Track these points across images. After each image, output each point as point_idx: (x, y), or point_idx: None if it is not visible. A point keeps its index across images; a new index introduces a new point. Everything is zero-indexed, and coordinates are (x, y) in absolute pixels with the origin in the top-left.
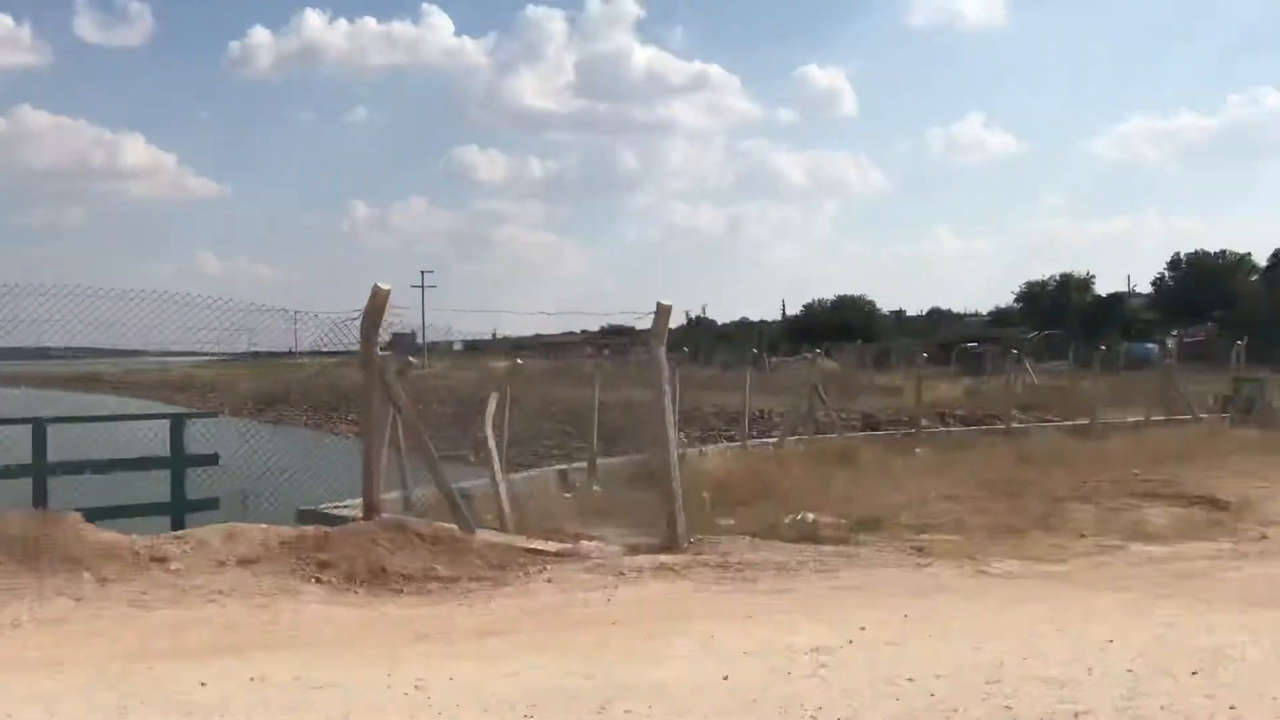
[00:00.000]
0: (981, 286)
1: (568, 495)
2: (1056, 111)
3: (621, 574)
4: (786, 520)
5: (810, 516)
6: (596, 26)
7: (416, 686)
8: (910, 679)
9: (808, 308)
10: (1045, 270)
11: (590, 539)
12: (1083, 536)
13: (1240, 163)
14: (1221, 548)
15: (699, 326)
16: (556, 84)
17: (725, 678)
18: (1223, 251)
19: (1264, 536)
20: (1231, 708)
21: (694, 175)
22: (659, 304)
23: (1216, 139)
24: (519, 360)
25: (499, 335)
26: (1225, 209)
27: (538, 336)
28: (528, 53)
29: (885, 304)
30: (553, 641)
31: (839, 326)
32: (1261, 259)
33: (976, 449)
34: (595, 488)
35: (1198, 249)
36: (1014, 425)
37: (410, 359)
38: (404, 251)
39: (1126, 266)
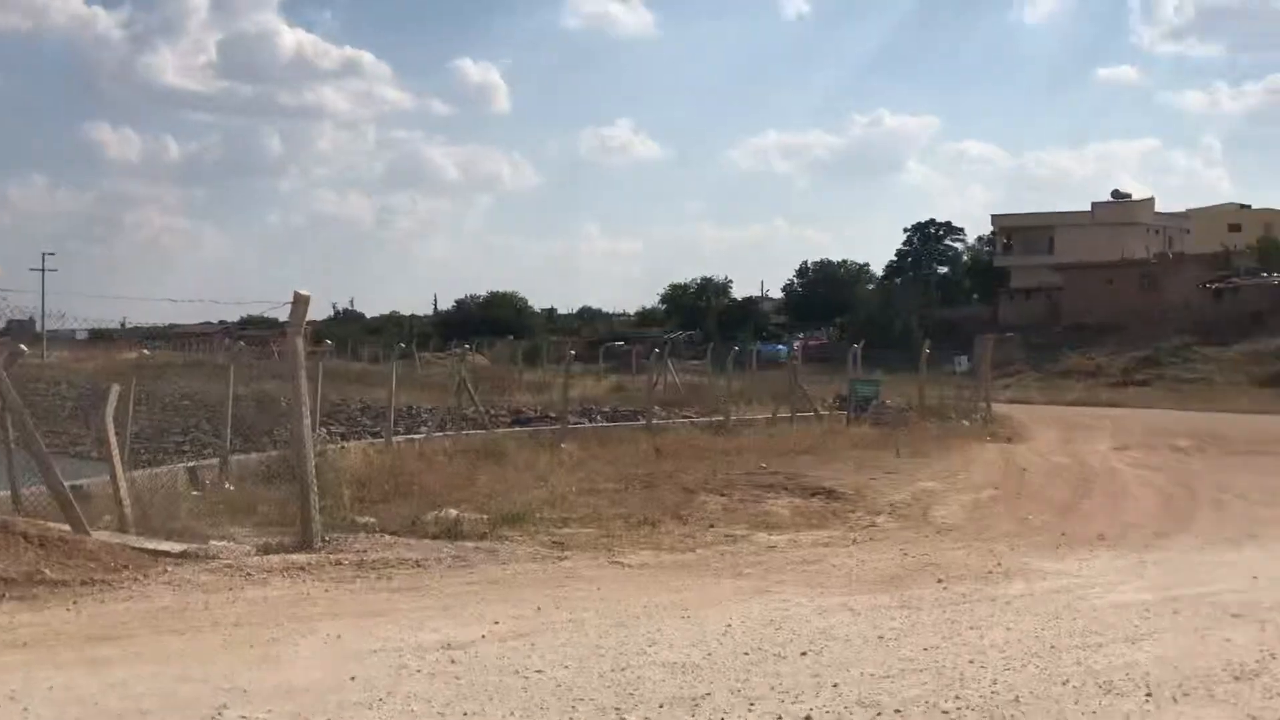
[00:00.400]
0: (629, 287)
1: (196, 493)
2: (699, 121)
3: (249, 575)
4: (429, 517)
5: (453, 512)
6: (241, 5)
7: (11, 698)
8: (539, 671)
9: (460, 303)
10: (688, 273)
11: (219, 539)
12: (712, 527)
13: (861, 179)
14: (835, 535)
15: (347, 319)
16: (197, 62)
17: (352, 678)
18: (844, 261)
19: (873, 524)
20: (834, 685)
21: (343, 163)
22: (296, 293)
23: (841, 156)
24: (146, 351)
25: (129, 324)
26: (848, 222)
27: (173, 326)
28: (166, 28)
29: (537, 301)
30: (168, 647)
31: (491, 322)
32: (878, 269)
33: (619, 444)
34: (228, 485)
35: (823, 258)
36: (655, 421)
37: (22, 347)
38: (21, 232)
39: (761, 272)
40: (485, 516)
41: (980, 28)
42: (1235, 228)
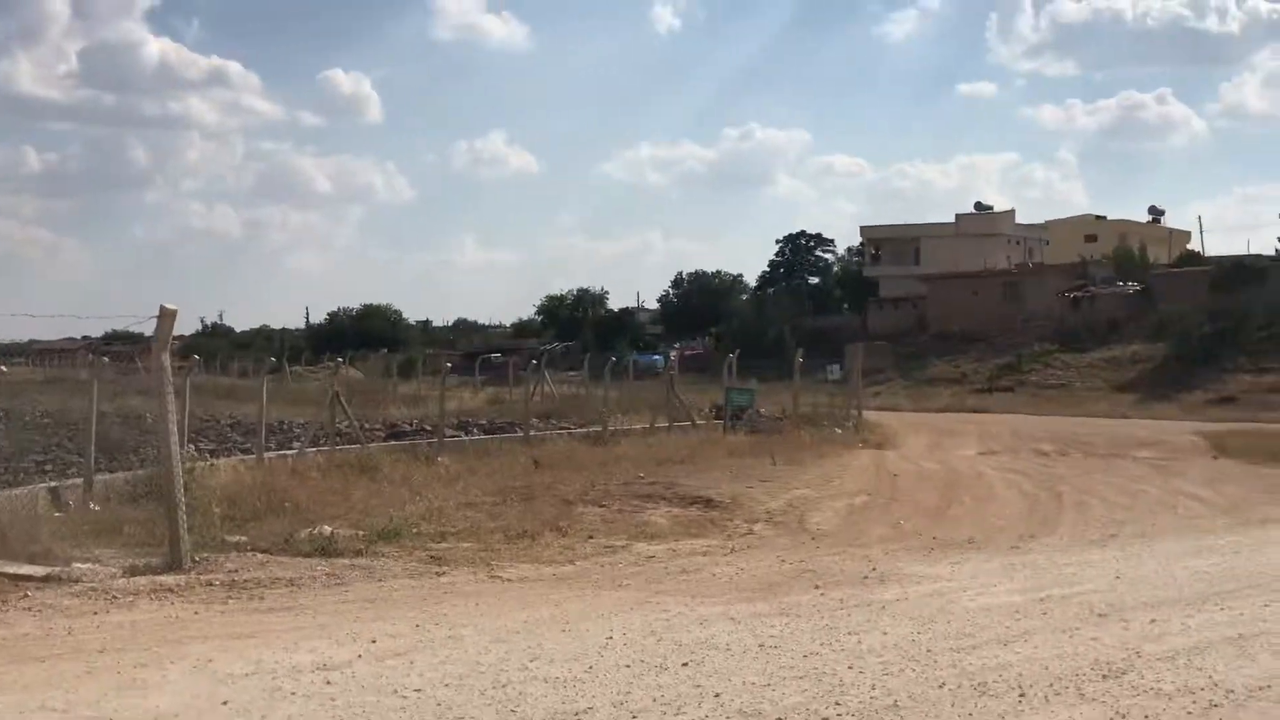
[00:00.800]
0: (505, 298)
1: (60, 514)
2: (573, 134)
3: (114, 598)
4: (302, 534)
5: (328, 529)
6: (104, 13)
7: None
8: (418, 690)
9: (332, 316)
10: (564, 284)
11: (84, 562)
12: (591, 538)
13: (733, 191)
14: (713, 544)
15: (215, 333)
16: (57, 71)
17: (224, 702)
18: (719, 272)
19: (750, 532)
20: (716, 695)
21: (211, 175)
22: (162, 308)
23: (713, 168)
24: (4, 368)
25: None
26: (721, 233)
27: (33, 343)
28: (24, 35)
29: (412, 313)
30: (29, 675)
31: (365, 335)
32: (751, 279)
33: (497, 457)
34: (92, 505)
35: (698, 269)
36: (533, 433)
37: None
38: None
39: (636, 283)
40: (361, 533)
41: (847, 45)
42: (1091, 238)
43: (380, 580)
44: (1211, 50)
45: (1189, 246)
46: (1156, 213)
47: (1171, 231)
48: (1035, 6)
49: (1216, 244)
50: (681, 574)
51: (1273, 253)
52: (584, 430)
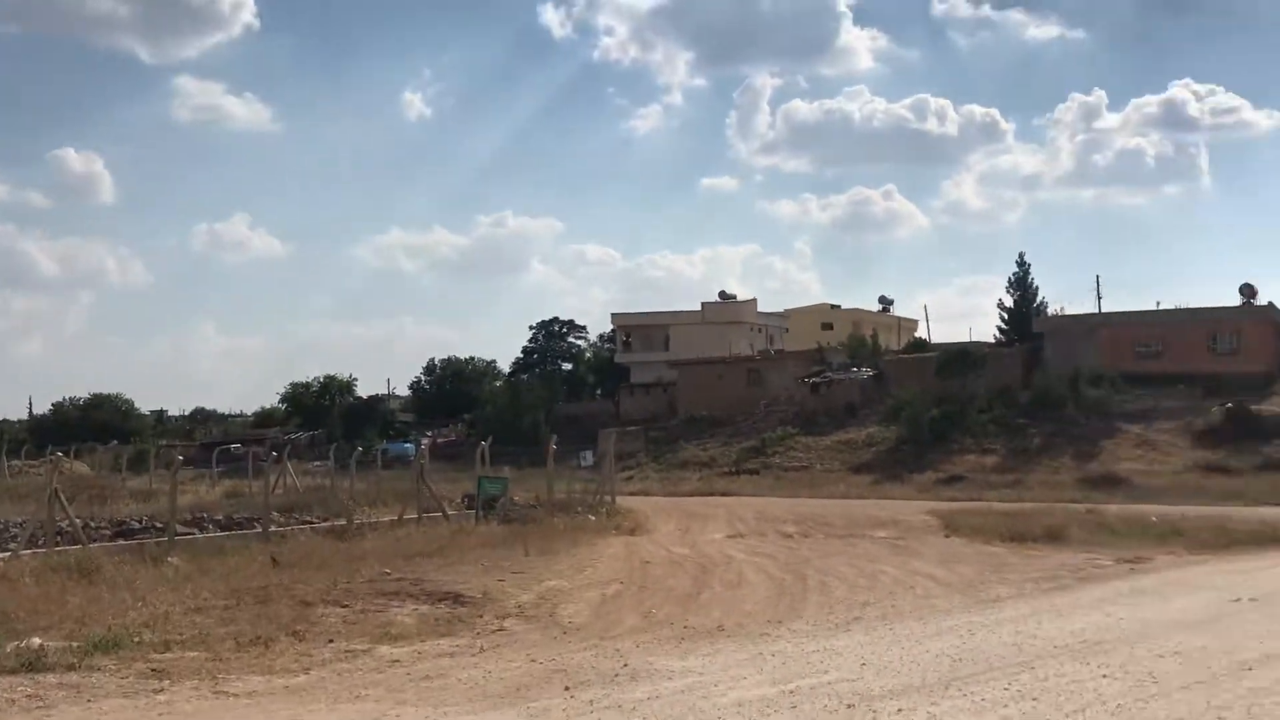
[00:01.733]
0: (247, 386)
1: None
2: (321, 218)
3: None
4: (8, 648)
5: (37, 642)
6: None
7: None
8: None
9: (58, 406)
10: (311, 371)
11: None
12: (331, 643)
13: (487, 278)
14: (461, 643)
15: None
16: None
17: None
18: (471, 358)
19: (501, 629)
20: None
21: None
22: None
23: (466, 255)
24: None
25: None
26: (474, 319)
27: None
28: None
29: (145, 403)
30: None
31: (94, 426)
32: (505, 366)
33: (233, 555)
34: None
35: (450, 355)
36: (273, 528)
37: None
38: None
39: (387, 370)
40: (75, 644)
41: (596, 137)
42: (828, 326)
43: (90, 701)
44: (932, 150)
45: (916, 334)
46: (886, 302)
47: (900, 320)
48: (771, 106)
49: (941, 331)
50: (425, 680)
51: (991, 339)
52: (328, 524)
